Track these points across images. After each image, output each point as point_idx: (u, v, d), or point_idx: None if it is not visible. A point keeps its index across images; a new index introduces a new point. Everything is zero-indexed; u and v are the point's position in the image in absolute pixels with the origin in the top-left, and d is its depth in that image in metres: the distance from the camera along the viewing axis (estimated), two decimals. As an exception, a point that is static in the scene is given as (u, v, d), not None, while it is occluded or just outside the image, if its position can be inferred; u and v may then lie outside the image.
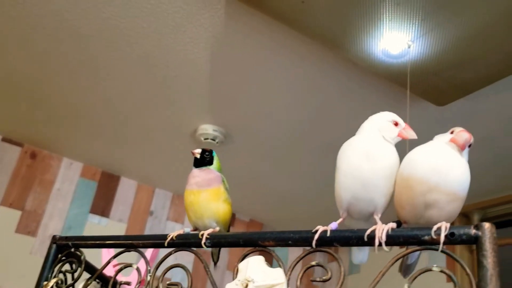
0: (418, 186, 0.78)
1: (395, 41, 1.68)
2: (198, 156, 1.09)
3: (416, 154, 0.83)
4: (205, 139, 2.46)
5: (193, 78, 2.08)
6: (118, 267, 1.03)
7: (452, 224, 2.31)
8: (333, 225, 0.83)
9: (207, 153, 1.09)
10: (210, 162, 1.09)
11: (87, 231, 2.81)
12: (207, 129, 2.43)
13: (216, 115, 2.35)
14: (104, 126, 2.54)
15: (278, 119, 2.31)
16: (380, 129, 0.91)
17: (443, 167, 0.78)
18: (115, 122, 2.49)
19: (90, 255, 1.15)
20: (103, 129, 2.56)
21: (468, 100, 1.93)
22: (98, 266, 1.09)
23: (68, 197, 2.82)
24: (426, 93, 1.90)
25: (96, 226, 2.85)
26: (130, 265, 0.96)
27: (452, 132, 0.84)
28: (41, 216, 2.71)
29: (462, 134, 0.81)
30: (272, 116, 2.29)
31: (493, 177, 2.46)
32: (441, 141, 0.83)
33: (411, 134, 0.92)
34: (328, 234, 0.79)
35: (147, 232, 2.98)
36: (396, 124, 0.92)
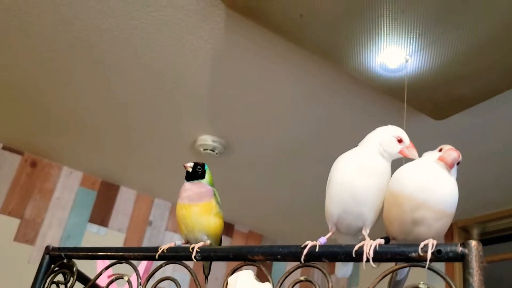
0: (406, 202, 0.78)
1: (393, 55, 1.69)
2: (190, 169, 1.09)
3: (404, 171, 0.83)
4: (204, 150, 2.46)
5: (193, 89, 2.09)
6: (112, 278, 1.03)
7: (451, 238, 2.28)
8: (322, 240, 0.83)
9: (199, 167, 1.09)
10: (202, 176, 1.09)
11: (86, 240, 2.81)
12: (207, 140, 2.43)
13: (216, 126, 2.36)
14: (105, 136, 2.55)
15: (278, 131, 2.32)
16: (382, 143, 0.90)
17: (431, 185, 0.78)
18: (115, 132, 2.50)
19: (87, 266, 1.15)
20: (104, 138, 2.58)
21: (466, 114, 1.94)
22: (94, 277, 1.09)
23: (68, 206, 2.83)
24: (423, 107, 1.90)
25: (94, 235, 2.85)
26: (121, 277, 0.96)
27: (440, 150, 0.84)
28: (40, 224, 2.72)
29: (450, 153, 0.82)
30: (272, 127, 2.30)
31: (492, 192, 2.45)
32: (430, 158, 0.83)
33: (413, 154, 0.90)
34: (317, 249, 0.79)
35: (146, 242, 2.98)
36: (400, 140, 0.90)
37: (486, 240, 2.70)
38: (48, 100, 2.30)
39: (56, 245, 2.68)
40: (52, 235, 2.73)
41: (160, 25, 1.76)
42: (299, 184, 2.73)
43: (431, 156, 0.84)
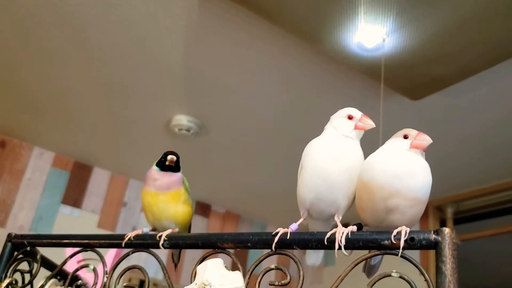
0: (378, 191, 0.76)
1: (370, 34, 1.67)
2: (173, 164, 1.02)
3: (375, 160, 0.80)
4: (179, 130, 2.42)
5: (167, 68, 2.04)
6: (78, 266, 1.00)
7: (426, 217, 2.28)
8: (294, 227, 0.81)
9: (178, 160, 1.03)
10: (178, 169, 1.04)
11: (59, 222, 2.75)
12: (182, 119, 2.39)
13: (191, 106, 2.31)
14: (78, 116, 2.48)
15: (254, 111, 2.28)
16: (336, 126, 0.89)
17: (405, 173, 0.76)
18: (88, 112, 2.44)
19: (55, 252, 1.11)
20: (77, 118, 2.51)
21: (443, 94, 1.93)
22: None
23: (39, 187, 2.76)
24: (400, 87, 1.89)
25: (68, 217, 2.79)
26: (87, 266, 0.93)
27: (405, 136, 0.81)
28: (10, 206, 2.65)
29: (423, 138, 0.79)
30: (248, 107, 2.26)
31: (467, 171, 2.47)
32: (399, 146, 0.80)
33: (368, 124, 0.88)
34: (288, 236, 0.77)
35: (121, 223, 2.94)
36: (350, 117, 0.89)
37: (460, 219, 2.74)
38: (18, 79, 2.22)
39: (28, 227, 2.63)
40: (24, 217, 2.67)
41: (133, 1, 1.70)
42: (276, 165, 2.71)
43: (399, 143, 0.81)
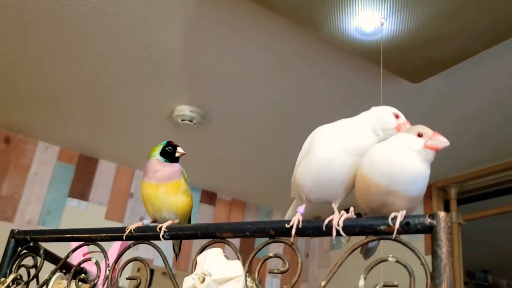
0: (375, 188, 0.75)
1: (368, 18, 1.66)
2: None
3: (377, 155, 0.78)
4: (182, 120, 2.42)
5: (167, 58, 2.04)
6: (84, 258, 1.01)
7: (430, 198, 2.27)
8: (301, 209, 0.82)
9: None
10: (177, 160, 1.06)
11: (66, 215, 2.78)
12: (184, 110, 2.39)
13: (192, 96, 2.31)
14: (80, 109, 2.49)
15: (256, 99, 2.28)
16: (377, 117, 0.86)
17: (406, 178, 0.74)
18: (91, 105, 2.44)
19: (62, 247, 1.12)
20: (79, 111, 2.52)
21: (443, 76, 1.92)
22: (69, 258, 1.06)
23: (45, 181, 2.79)
24: (400, 70, 1.88)
25: (75, 210, 2.82)
26: (89, 259, 0.94)
27: (420, 135, 0.77)
28: (17, 201, 2.67)
29: (439, 139, 0.76)
30: (249, 95, 2.26)
31: (469, 152, 2.47)
32: (411, 145, 0.76)
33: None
34: (287, 225, 0.77)
35: (128, 214, 2.97)
36: (397, 116, 0.86)
37: (463, 199, 2.74)
38: (20, 74, 2.22)
39: (36, 221, 2.65)
40: (31, 211, 2.70)
41: (128, -8, 1.70)
42: (280, 151, 2.72)
43: (410, 140, 0.77)
